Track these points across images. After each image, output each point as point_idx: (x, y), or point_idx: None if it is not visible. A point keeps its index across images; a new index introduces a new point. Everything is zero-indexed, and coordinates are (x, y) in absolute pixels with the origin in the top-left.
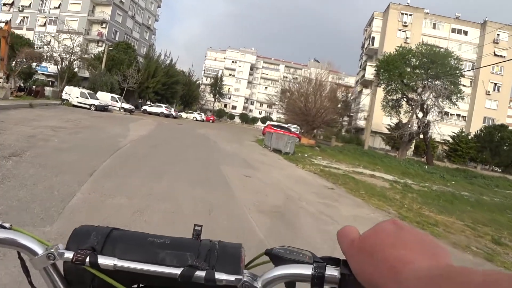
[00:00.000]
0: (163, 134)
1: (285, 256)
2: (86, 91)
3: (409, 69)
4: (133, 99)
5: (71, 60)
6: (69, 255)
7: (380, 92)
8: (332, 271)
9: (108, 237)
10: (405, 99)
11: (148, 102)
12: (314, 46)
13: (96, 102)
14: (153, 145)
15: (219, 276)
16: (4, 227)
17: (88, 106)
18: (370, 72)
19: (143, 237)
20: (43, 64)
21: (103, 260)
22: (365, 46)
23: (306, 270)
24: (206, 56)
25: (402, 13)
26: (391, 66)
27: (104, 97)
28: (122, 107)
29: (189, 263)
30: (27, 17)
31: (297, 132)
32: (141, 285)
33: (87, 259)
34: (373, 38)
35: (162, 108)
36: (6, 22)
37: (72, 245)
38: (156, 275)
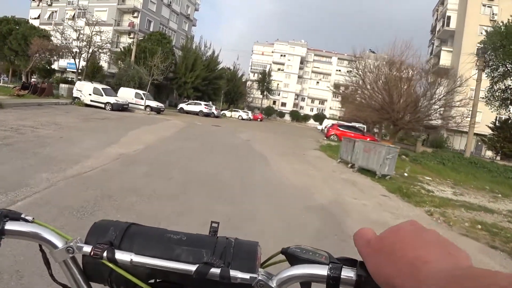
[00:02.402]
0: (176, 146)
1: (301, 255)
2: (100, 87)
3: None
4: (172, 96)
5: (90, 51)
6: (87, 249)
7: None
8: (348, 272)
9: (126, 232)
10: None
11: (185, 100)
12: (368, 36)
13: (112, 100)
14: (123, 184)
15: (234, 273)
16: (27, 220)
17: (102, 105)
18: (446, 58)
19: (160, 233)
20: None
21: (120, 255)
22: (437, 29)
23: (322, 270)
24: (252, 51)
25: None
26: (507, 41)
27: (126, 94)
28: (148, 106)
29: (204, 260)
30: (56, 11)
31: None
32: (157, 280)
33: (105, 254)
34: (449, 18)
35: (201, 106)
36: None
37: (91, 239)
38: (172, 271)
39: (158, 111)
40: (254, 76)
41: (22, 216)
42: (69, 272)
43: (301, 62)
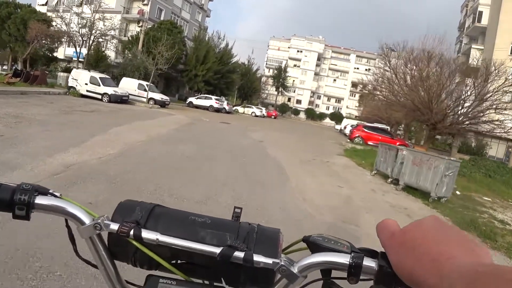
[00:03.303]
0: (164, 150)
1: (323, 244)
2: (98, 76)
3: None
4: (182, 90)
5: (92, 38)
6: (114, 226)
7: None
8: (369, 262)
9: (151, 212)
10: None
11: (196, 94)
12: (387, 35)
13: (110, 91)
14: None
15: (257, 258)
16: (55, 196)
17: (99, 96)
18: (475, 57)
19: (185, 215)
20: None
21: (146, 234)
22: (466, 25)
23: (344, 259)
24: (268, 46)
25: None
26: None
27: (129, 85)
28: (152, 98)
29: (228, 243)
30: None
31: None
32: (179, 261)
33: (132, 232)
34: (480, 13)
35: (212, 101)
36: None
37: (117, 218)
38: (196, 253)
39: (162, 104)
40: (269, 71)
41: (50, 191)
42: (94, 248)
43: (318, 59)
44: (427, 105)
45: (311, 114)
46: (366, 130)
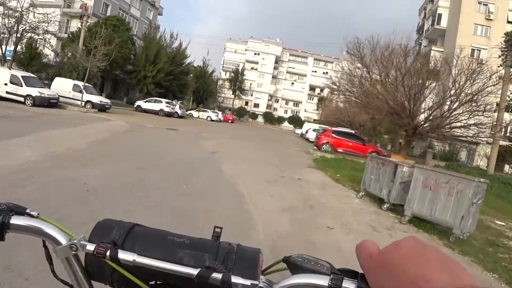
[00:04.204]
0: (64, 175)
1: (303, 265)
2: (20, 75)
3: None
4: (133, 93)
5: (19, 31)
6: (90, 247)
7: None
8: (349, 284)
9: (129, 232)
10: None
11: (147, 97)
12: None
13: (34, 92)
14: None
15: (235, 280)
16: (32, 216)
17: (21, 99)
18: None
19: (163, 235)
20: None
21: (123, 255)
22: (425, 28)
23: (323, 281)
24: (225, 48)
25: None
26: None
27: (62, 86)
28: (89, 101)
29: (206, 264)
30: None
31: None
32: (158, 282)
33: (108, 253)
34: (440, 15)
35: (162, 105)
36: None
37: (95, 238)
38: (173, 274)
39: (102, 108)
40: (226, 74)
41: (27, 211)
42: (71, 269)
43: (276, 62)
44: (404, 106)
45: (269, 118)
46: (335, 135)
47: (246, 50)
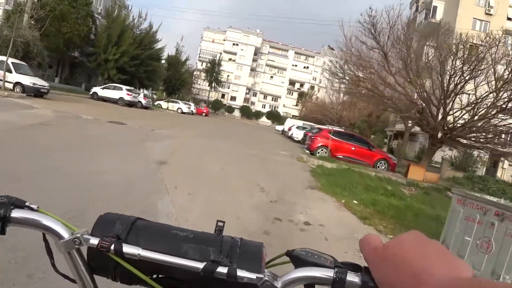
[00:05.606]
0: None
1: (306, 258)
2: None
3: None
4: (96, 79)
5: None
6: (94, 241)
7: None
8: (353, 277)
9: (132, 226)
10: None
11: (107, 82)
12: (328, 32)
13: None
14: None
15: (241, 273)
16: (32, 209)
17: None
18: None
19: (166, 229)
20: None
21: (127, 249)
22: (418, 21)
23: (327, 273)
24: (202, 37)
25: None
26: None
27: None
28: (19, 83)
29: (211, 258)
30: None
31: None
32: (160, 276)
33: (112, 247)
34: (435, 8)
35: (122, 92)
36: None
37: (97, 232)
38: (178, 268)
39: (36, 92)
40: (202, 65)
41: (27, 204)
42: (73, 263)
43: (255, 54)
44: (431, 104)
45: (246, 112)
46: (334, 137)
47: (224, 40)
